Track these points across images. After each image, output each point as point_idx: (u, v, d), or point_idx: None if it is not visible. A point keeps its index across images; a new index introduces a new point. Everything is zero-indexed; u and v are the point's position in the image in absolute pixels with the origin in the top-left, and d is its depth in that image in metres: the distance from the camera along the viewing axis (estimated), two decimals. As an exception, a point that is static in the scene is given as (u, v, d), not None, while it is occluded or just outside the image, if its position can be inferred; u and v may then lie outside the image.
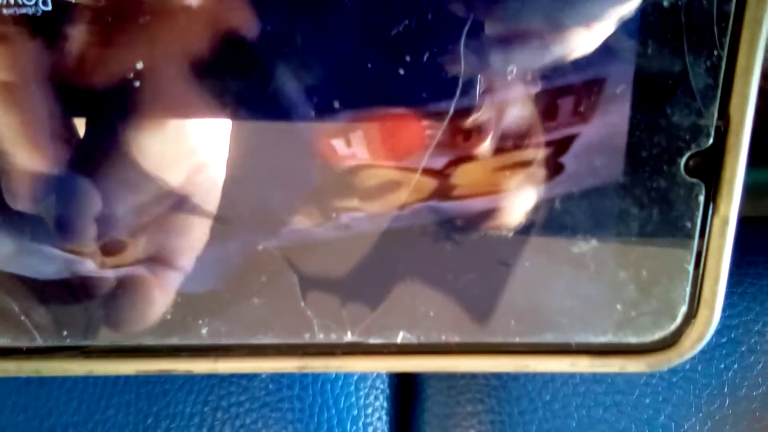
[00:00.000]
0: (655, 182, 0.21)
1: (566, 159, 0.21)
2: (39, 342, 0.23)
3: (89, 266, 0.22)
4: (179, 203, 0.21)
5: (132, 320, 0.22)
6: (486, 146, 0.21)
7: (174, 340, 0.23)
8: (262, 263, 0.22)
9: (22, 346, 0.23)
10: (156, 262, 0.22)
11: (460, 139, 0.21)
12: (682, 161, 0.21)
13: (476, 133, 0.21)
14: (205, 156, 0.21)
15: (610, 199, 0.21)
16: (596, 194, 0.21)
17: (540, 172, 0.21)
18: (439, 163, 0.21)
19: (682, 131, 0.20)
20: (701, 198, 0.21)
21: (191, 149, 0.21)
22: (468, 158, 0.21)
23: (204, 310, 0.22)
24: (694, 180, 0.21)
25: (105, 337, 0.23)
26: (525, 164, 0.21)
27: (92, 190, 0.21)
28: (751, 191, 0.21)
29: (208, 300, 0.22)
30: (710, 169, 0.21)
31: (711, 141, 0.20)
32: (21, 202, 0.21)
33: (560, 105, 0.21)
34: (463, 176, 0.21)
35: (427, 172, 0.21)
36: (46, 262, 0.22)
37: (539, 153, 0.21)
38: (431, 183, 0.21)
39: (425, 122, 0.21)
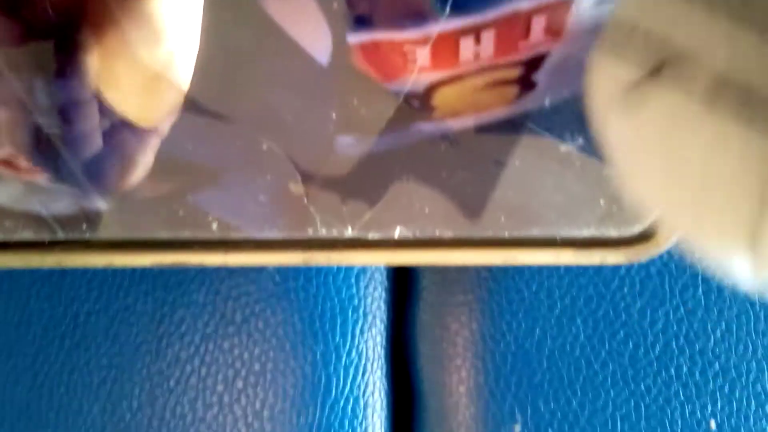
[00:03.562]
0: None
1: (553, 58, 0.22)
2: (60, 235, 0.24)
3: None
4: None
5: (116, 180, 0.23)
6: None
7: (186, 234, 0.24)
8: (267, 162, 0.23)
9: (45, 239, 0.24)
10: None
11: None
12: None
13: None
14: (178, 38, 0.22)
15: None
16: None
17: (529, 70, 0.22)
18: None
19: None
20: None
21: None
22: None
23: (213, 207, 0.23)
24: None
25: (122, 232, 0.24)
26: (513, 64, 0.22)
27: None
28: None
29: (217, 197, 0.23)
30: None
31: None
32: None
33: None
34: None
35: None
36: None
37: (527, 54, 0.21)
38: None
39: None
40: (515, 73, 0.22)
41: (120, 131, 0.22)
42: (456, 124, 0.23)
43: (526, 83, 0.22)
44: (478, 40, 0.21)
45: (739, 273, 0.18)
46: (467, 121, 0.23)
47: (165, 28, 0.21)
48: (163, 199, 0.23)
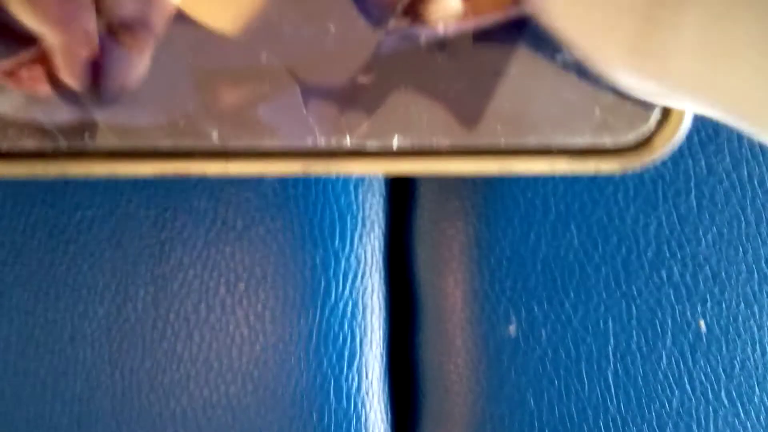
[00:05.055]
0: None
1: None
2: (63, 145, 0.24)
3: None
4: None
5: (117, 79, 0.23)
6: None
7: (187, 144, 0.24)
8: (266, 74, 0.23)
9: (48, 149, 0.24)
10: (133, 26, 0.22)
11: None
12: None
13: None
14: None
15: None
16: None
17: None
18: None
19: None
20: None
21: None
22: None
23: (213, 117, 0.24)
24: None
25: (124, 141, 0.24)
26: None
27: None
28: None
29: (217, 108, 0.23)
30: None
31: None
32: None
33: None
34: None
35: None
36: None
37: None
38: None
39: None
40: None
41: (117, 35, 0.22)
42: (453, 29, 0.23)
43: None
44: None
45: (624, 84, 0.20)
46: (463, 26, 0.23)
47: None
48: (165, 108, 0.24)
